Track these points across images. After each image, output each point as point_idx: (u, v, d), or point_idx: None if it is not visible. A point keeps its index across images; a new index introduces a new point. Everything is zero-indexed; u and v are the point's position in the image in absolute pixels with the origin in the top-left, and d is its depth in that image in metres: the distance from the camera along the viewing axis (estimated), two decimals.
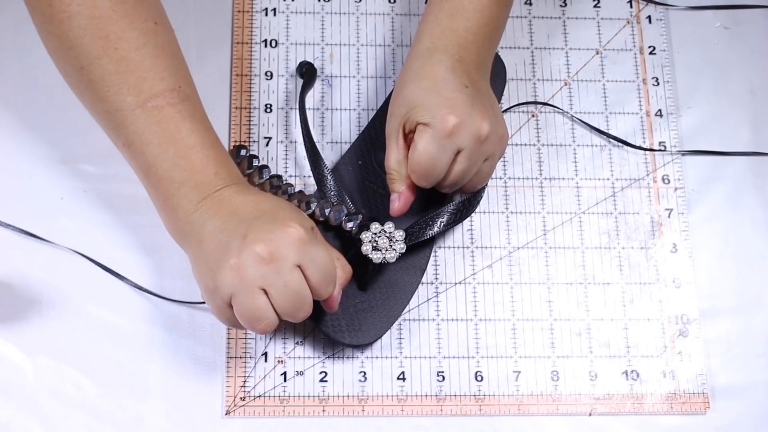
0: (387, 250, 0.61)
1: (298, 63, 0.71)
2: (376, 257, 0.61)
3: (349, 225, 0.62)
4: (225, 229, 0.54)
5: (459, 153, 0.59)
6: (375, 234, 0.61)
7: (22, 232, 0.66)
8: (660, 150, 0.72)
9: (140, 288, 0.65)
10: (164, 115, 0.56)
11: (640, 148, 0.72)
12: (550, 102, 0.73)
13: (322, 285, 0.55)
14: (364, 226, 0.62)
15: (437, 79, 0.59)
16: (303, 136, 0.67)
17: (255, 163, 0.67)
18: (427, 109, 0.58)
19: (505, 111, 0.72)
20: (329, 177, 0.64)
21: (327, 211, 0.63)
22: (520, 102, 0.72)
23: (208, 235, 0.55)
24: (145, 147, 0.56)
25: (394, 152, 0.61)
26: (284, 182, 0.67)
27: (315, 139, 0.69)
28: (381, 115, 0.68)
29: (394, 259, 0.61)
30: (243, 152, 0.67)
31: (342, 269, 0.58)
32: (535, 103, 0.72)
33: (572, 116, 0.72)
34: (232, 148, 0.68)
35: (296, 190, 0.66)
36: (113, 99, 0.56)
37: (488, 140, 0.59)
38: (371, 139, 0.68)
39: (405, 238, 0.61)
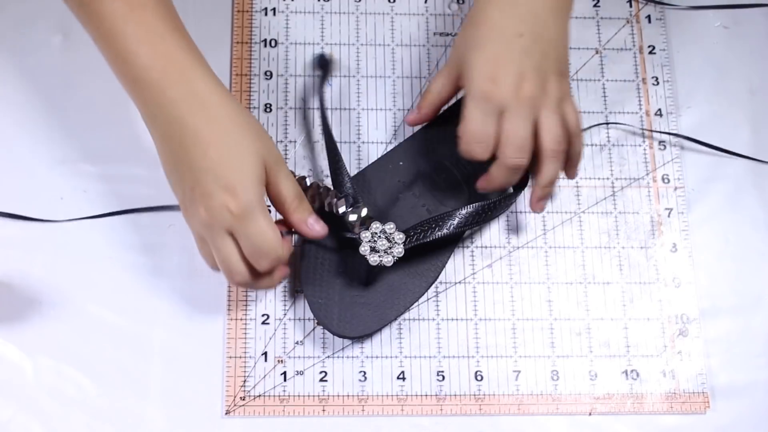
0: (385, 253, 0.61)
1: (314, 56, 0.71)
2: (372, 260, 0.60)
3: (352, 218, 0.62)
4: (176, 164, 0.55)
5: (504, 113, 0.58)
6: (374, 234, 0.61)
7: (27, 219, 0.66)
8: (659, 133, 0.72)
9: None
10: (116, 11, 0.54)
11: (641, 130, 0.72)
12: None
13: (254, 258, 0.55)
14: (367, 221, 0.61)
15: (490, 26, 0.58)
16: (322, 128, 0.67)
17: None
18: (472, 69, 0.58)
19: None
20: (344, 169, 0.64)
21: (333, 201, 0.62)
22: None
23: (162, 145, 0.55)
24: (107, 45, 0.55)
25: (441, 81, 0.62)
26: (298, 176, 0.67)
27: (315, 139, 0.70)
28: (429, 128, 0.69)
29: (390, 263, 0.60)
30: None
31: (284, 248, 0.57)
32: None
33: None
34: None
35: (309, 183, 0.66)
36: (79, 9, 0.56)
37: (534, 97, 0.57)
38: (419, 145, 0.68)
39: (405, 241, 0.61)
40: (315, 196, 0.63)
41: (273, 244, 0.55)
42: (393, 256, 0.60)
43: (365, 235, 0.60)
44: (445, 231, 0.62)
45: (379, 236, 0.60)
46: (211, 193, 0.53)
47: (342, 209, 0.61)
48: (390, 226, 0.61)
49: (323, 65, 0.70)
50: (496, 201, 0.64)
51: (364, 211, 0.61)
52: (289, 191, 0.57)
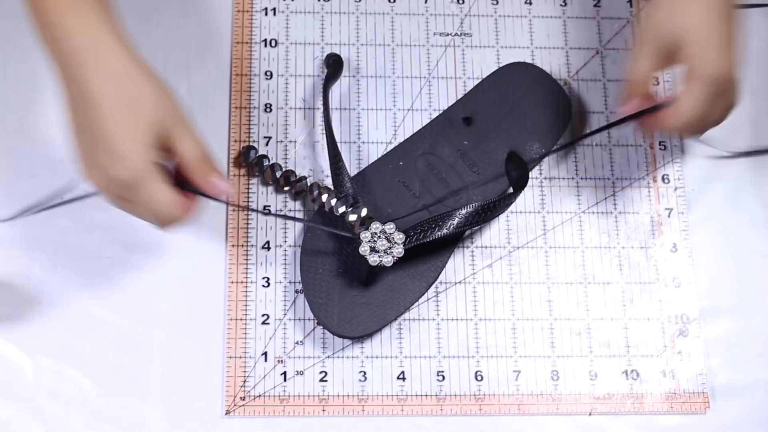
0: (385, 253, 0.61)
1: (325, 55, 0.71)
2: (372, 260, 0.60)
3: (352, 218, 0.62)
4: (76, 128, 0.54)
5: (721, 95, 0.56)
6: (374, 234, 0.61)
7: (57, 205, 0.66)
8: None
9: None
10: None
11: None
12: None
13: (152, 221, 0.55)
14: (366, 221, 0.61)
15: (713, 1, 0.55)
16: (324, 128, 0.67)
17: (266, 162, 0.67)
18: (704, 52, 0.54)
19: None
20: (344, 169, 0.64)
21: (333, 201, 0.62)
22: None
23: (67, 107, 0.54)
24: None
25: (648, 63, 0.57)
26: (298, 177, 0.67)
27: (315, 139, 0.70)
28: (436, 123, 0.69)
29: (390, 263, 0.60)
30: (253, 153, 0.67)
31: (182, 210, 0.55)
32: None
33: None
34: (241, 149, 0.68)
35: (309, 183, 0.66)
36: None
37: (737, 77, 0.56)
38: (421, 141, 0.69)
39: (405, 241, 0.61)
40: (315, 196, 0.63)
41: (164, 209, 0.54)
42: (393, 256, 0.60)
43: (365, 236, 0.60)
44: (445, 231, 0.62)
45: (379, 236, 0.60)
46: (102, 162, 0.52)
47: (342, 209, 0.62)
48: (390, 227, 0.61)
49: (331, 65, 0.70)
50: (495, 201, 0.64)
51: (364, 211, 0.61)
52: (190, 152, 0.55)
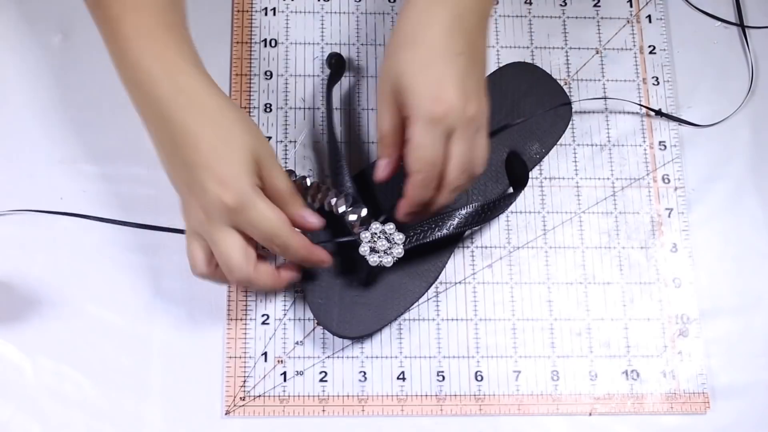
0: (384, 253, 0.60)
1: (327, 55, 0.71)
2: (372, 260, 0.60)
3: (352, 218, 0.61)
4: (170, 162, 0.55)
5: (452, 134, 0.56)
6: (374, 234, 0.61)
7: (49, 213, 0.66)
8: (655, 112, 0.72)
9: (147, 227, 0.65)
10: (112, 11, 0.55)
11: (638, 105, 0.72)
12: None
13: (267, 243, 0.55)
14: (366, 221, 0.61)
15: (430, 46, 0.55)
16: (326, 127, 0.66)
17: None
18: (415, 95, 0.54)
19: None
20: (345, 168, 0.64)
21: (333, 201, 0.62)
22: (529, 117, 0.72)
23: (157, 144, 0.56)
24: (108, 45, 0.56)
25: (387, 118, 0.57)
26: (298, 176, 0.67)
27: (316, 139, 0.70)
28: None
29: (390, 264, 0.60)
30: None
31: (293, 232, 0.56)
32: (540, 113, 0.72)
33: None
34: None
35: (309, 183, 0.66)
36: (85, 4, 0.57)
37: (476, 116, 0.56)
38: None
39: (405, 242, 0.61)
40: (315, 195, 0.63)
41: (278, 224, 0.55)
42: (393, 257, 0.60)
43: (365, 236, 0.60)
44: (444, 231, 0.62)
45: (379, 236, 0.60)
46: (205, 189, 0.53)
47: (342, 208, 0.61)
48: (390, 227, 0.60)
49: (333, 64, 0.70)
50: (495, 201, 0.64)
51: (364, 211, 0.61)
52: (282, 185, 0.57)
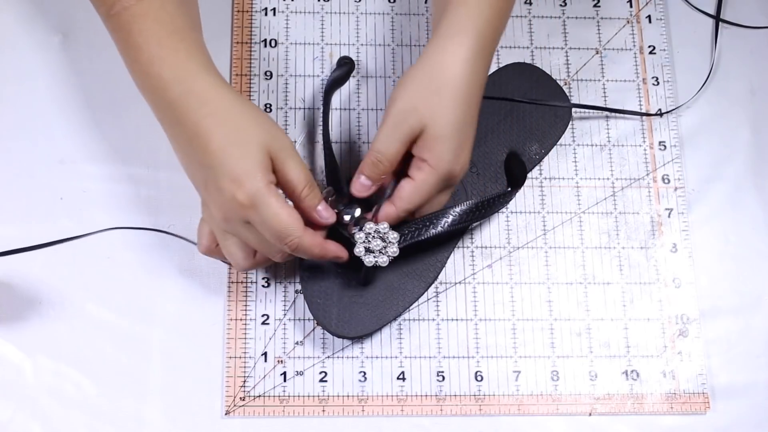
0: (380, 253, 0.60)
1: (338, 58, 0.70)
2: (368, 261, 0.60)
3: (346, 218, 0.61)
4: (187, 163, 0.57)
5: (446, 188, 0.60)
6: (368, 234, 0.60)
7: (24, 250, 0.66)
8: (656, 114, 0.72)
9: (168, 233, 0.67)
10: (124, 19, 0.55)
11: (635, 113, 0.72)
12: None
13: (278, 242, 0.56)
14: (361, 220, 0.60)
15: (452, 84, 0.56)
16: (322, 127, 0.66)
17: None
18: (441, 150, 0.57)
19: None
20: (338, 167, 0.64)
21: (330, 200, 0.61)
22: (522, 101, 0.72)
23: (174, 147, 0.57)
24: (121, 53, 0.57)
25: (398, 148, 0.58)
26: None
27: (316, 139, 0.70)
28: None
29: (386, 264, 0.60)
30: None
31: (301, 226, 0.56)
32: (535, 102, 0.72)
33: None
34: None
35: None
36: (96, 10, 0.57)
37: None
38: None
39: (399, 240, 0.60)
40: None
41: (288, 225, 0.55)
42: (388, 256, 0.60)
43: (359, 236, 0.60)
44: (439, 229, 0.61)
45: (374, 236, 0.60)
46: (220, 188, 0.54)
47: (347, 218, 0.60)
48: (383, 226, 0.60)
49: (342, 65, 0.69)
50: (490, 199, 0.63)
51: (358, 211, 0.61)
52: (299, 177, 0.57)
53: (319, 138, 0.70)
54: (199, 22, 0.60)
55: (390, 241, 0.60)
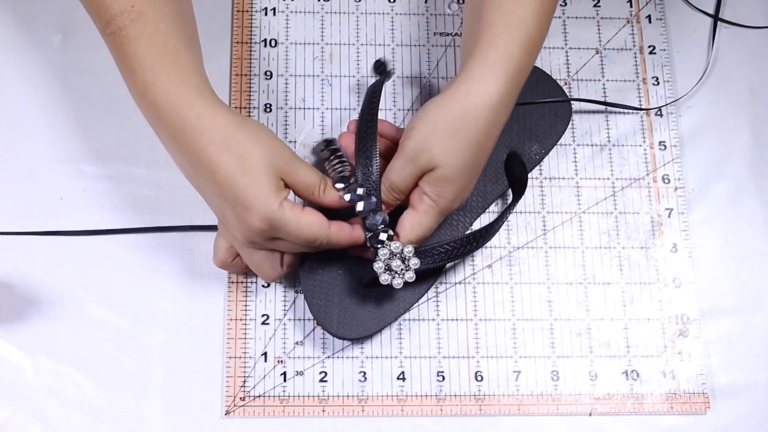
0: (397, 274, 0.59)
1: (373, 61, 0.71)
2: (383, 279, 0.59)
3: (369, 222, 0.59)
4: (200, 192, 0.57)
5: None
6: (392, 253, 0.59)
7: (22, 234, 0.66)
8: (656, 111, 0.72)
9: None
10: (118, 40, 0.55)
11: (635, 108, 0.72)
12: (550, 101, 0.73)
13: (305, 246, 0.57)
14: (385, 232, 0.59)
15: (472, 130, 0.56)
16: (359, 119, 0.63)
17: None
18: (447, 190, 0.58)
19: None
20: (376, 169, 0.61)
21: (356, 201, 0.59)
22: (521, 102, 0.72)
23: (185, 174, 0.58)
24: (120, 73, 0.57)
25: (410, 182, 0.59)
26: (329, 146, 0.67)
27: (316, 139, 0.70)
28: None
29: (399, 286, 0.59)
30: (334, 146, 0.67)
31: (326, 224, 0.57)
32: (535, 102, 0.72)
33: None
34: (321, 145, 0.68)
35: (340, 171, 0.65)
36: (95, 25, 0.57)
37: None
38: None
39: (418, 266, 0.59)
40: (331, 170, 0.64)
41: (313, 231, 0.56)
42: (403, 280, 0.59)
43: (383, 252, 0.59)
44: (458, 259, 0.62)
45: (396, 256, 0.59)
46: (237, 217, 0.55)
47: (348, 197, 0.59)
48: (408, 249, 0.59)
49: (381, 70, 0.67)
50: (501, 213, 0.64)
51: (373, 200, 0.59)
52: (312, 180, 0.58)
53: (318, 138, 0.70)
54: (196, 37, 0.59)
55: (409, 267, 0.59)
